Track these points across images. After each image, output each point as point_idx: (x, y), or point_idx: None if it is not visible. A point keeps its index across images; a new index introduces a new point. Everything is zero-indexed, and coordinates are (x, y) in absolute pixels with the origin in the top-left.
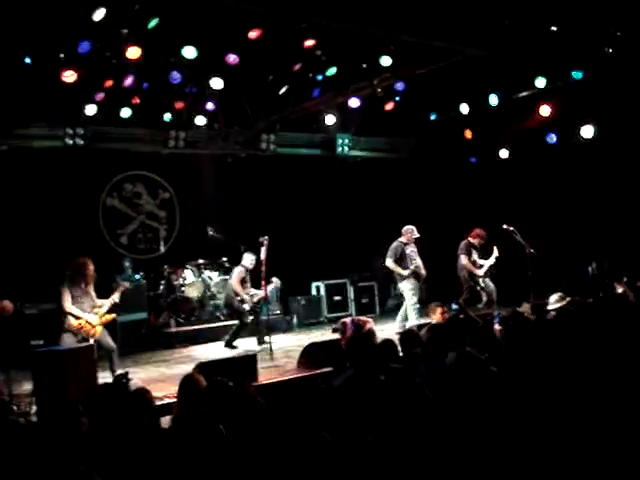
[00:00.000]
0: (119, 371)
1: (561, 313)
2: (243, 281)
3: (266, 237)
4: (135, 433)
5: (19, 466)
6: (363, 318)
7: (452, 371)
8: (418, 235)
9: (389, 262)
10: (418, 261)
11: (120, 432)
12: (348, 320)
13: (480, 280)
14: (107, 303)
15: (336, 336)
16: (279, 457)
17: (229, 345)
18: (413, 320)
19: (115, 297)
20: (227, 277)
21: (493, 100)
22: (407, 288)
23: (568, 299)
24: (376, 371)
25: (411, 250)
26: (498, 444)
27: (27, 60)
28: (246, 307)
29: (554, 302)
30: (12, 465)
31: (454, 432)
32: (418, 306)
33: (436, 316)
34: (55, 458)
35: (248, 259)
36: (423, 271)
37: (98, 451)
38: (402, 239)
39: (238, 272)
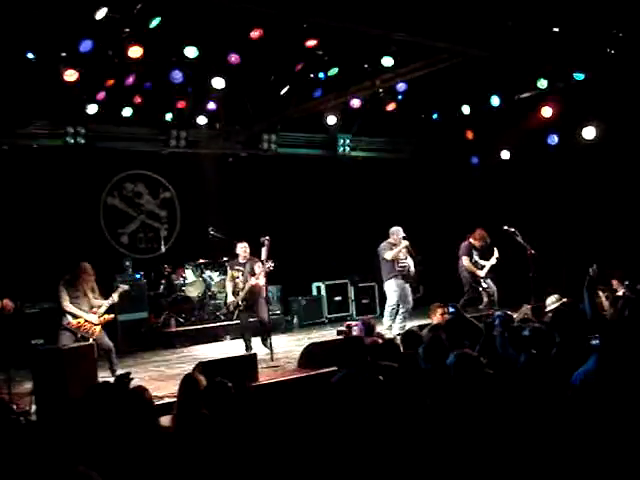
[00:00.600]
0: (120, 371)
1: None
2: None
3: (267, 237)
4: (133, 432)
5: (19, 465)
6: (365, 318)
7: (451, 372)
8: (404, 235)
9: (387, 255)
10: (407, 261)
11: (118, 431)
12: (353, 322)
13: (481, 281)
14: (106, 303)
15: (339, 337)
16: (273, 456)
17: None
18: (386, 322)
19: (114, 297)
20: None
21: (495, 101)
22: (390, 288)
23: (563, 300)
24: (373, 370)
25: (398, 250)
26: (493, 445)
27: (30, 56)
28: (231, 308)
29: (551, 304)
30: (12, 464)
31: (450, 432)
32: (406, 307)
33: (436, 317)
34: (55, 457)
35: (240, 251)
36: (412, 269)
37: (97, 450)
38: (390, 240)
39: (227, 271)
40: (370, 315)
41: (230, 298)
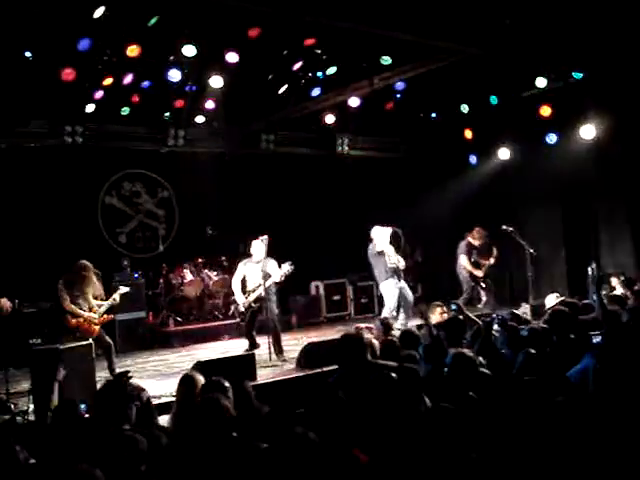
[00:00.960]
0: (118, 370)
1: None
2: (244, 280)
3: (265, 236)
4: (132, 431)
5: (19, 465)
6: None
7: (448, 371)
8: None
9: (378, 247)
10: (396, 258)
11: (118, 430)
12: (363, 325)
13: (480, 280)
14: (106, 304)
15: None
16: (271, 456)
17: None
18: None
19: (115, 297)
20: (226, 276)
21: (493, 100)
22: (388, 290)
23: (562, 299)
24: (368, 370)
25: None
26: (490, 444)
27: (27, 54)
28: (240, 309)
29: (550, 302)
30: (11, 465)
31: (448, 431)
32: (407, 305)
33: (435, 316)
34: (57, 456)
35: (255, 250)
36: (402, 263)
37: (96, 450)
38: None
39: (238, 268)
40: (369, 315)
41: (240, 298)
